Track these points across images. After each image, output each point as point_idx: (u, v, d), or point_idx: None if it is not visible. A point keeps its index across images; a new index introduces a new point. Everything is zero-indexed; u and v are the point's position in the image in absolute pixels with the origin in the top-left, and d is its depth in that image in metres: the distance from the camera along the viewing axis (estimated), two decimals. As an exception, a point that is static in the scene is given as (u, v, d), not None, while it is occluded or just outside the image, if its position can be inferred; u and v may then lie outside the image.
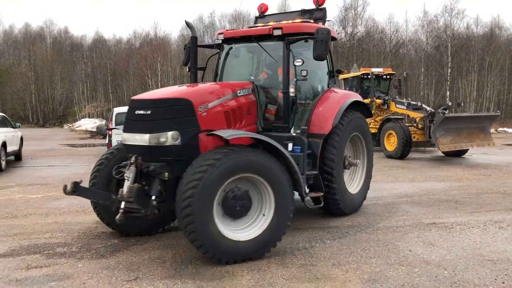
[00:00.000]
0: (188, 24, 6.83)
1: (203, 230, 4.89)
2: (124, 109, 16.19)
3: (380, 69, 20.20)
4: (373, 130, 18.20)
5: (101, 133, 21.51)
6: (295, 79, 6.53)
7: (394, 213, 7.79)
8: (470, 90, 43.63)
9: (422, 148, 18.92)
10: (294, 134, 6.48)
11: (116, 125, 15.21)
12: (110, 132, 15.27)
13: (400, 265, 5.13)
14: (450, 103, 17.95)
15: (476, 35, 46.13)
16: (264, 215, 5.43)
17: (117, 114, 15.56)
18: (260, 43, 6.74)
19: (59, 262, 5.27)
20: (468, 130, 15.48)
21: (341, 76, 21.69)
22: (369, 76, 19.14)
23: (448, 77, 42.01)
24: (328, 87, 7.44)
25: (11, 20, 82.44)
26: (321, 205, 6.79)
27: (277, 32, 6.52)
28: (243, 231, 5.34)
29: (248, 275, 4.84)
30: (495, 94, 44.03)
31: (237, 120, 6.14)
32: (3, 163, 13.83)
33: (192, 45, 6.96)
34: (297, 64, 6.24)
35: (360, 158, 8.01)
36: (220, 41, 7.28)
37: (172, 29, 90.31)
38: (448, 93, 41.44)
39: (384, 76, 19.78)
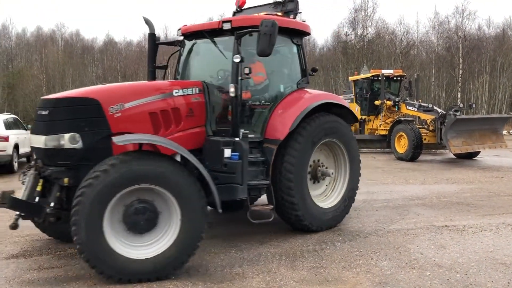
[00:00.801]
0: (146, 21, 6.51)
1: (88, 244, 4.43)
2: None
3: (391, 71, 20.11)
4: (383, 132, 18.15)
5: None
6: (240, 78, 5.76)
7: (405, 215, 7.74)
8: (481, 91, 43.28)
9: (433, 150, 18.77)
10: (236, 140, 5.65)
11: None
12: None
13: (411, 268, 5.09)
14: (461, 105, 17.88)
15: (488, 36, 45.84)
16: (168, 231, 4.87)
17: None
18: (215, 38, 6.25)
19: (70, 263, 5.31)
20: (479, 132, 15.33)
21: (351, 78, 21.70)
22: (379, 78, 19.07)
23: (460, 79, 41.73)
24: (297, 87, 6.72)
25: (24, 23, 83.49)
26: (270, 219, 5.95)
27: (226, 26, 5.96)
28: (148, 247, 4.80)
29: (258, 277, 4.84)
30: (507, 96, 43.62)
31: (170, 122, 5.64)
32: (16, 164, 14.00)
33: (149, 43, 6.68)
34: (235, 60, 5.65)
35: (341, 168, 7.08)
36: (182, 37, 6.83)
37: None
38: (459, 95, 41.14)
39: (395, 78, 19.71)
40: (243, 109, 6.10)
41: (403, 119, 17.29)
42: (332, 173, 6.90)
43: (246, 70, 5.67)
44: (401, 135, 16.59)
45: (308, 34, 7.00)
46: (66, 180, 4.83)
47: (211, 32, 6.23)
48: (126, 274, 4.61)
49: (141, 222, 4.70)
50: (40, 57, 56.76)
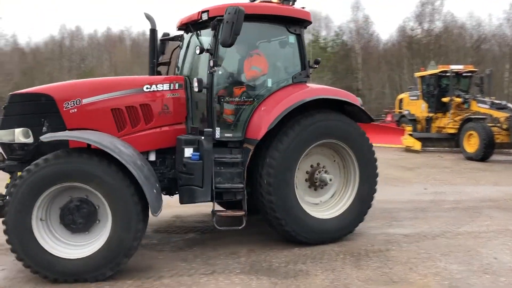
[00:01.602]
0: (147, 16, 6.22)
1: (25, 250, 4.44)
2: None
3: (460, 66, 19.17)
4: (452, 131, 17.38)
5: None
6: (209, 71, 5.43)
7: (476, 218, 7.38)
8: (561, 87, 40.21)
9: (506, 150, 17.71)
10: (202, 138, 5.36)
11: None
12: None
13: (484, 273, 4.86)
14: (539, 102, 16.66)
15: None
16: (87, 232, 4.73)
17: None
18: (203, 31, 5.92)
19: (140, 253, 5.53)
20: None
21: (417, 74, 20.94)
22: (447, 74, 18.26)
23: (537, 74, 39.01)
24: (293, 81, 6.04)
25: (95, 25, 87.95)
26: (240, 227, 5.45)
27: (204, 16, 5.65)
28: (84, 247, 4.69)
29: (322, 275, 4.82)
30: None
31: (138, 119, 5.46)
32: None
33: (150, 38, 6.32)
34: (196, 52, 5.45)
35: (350, 173, 6.16)
36: (182, 32, 6.48)
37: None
38: (536, 91, 38.48)
39: (464, 74, 18.76)
40: (220, 105, 5.71)
41: (473, 117, 16.48)
42: (331, 180, 5.96)
43: (211, 63, 5.38)
44: (471, 134, 15.80)
45: (309, 22, 6.19)
46: (19, 173, 4.80)
47: (197, 24, 5.91)
48: (57, 273, 4.53)
49: (77, 222, 4.64)
50: (110, 56, 59.51)
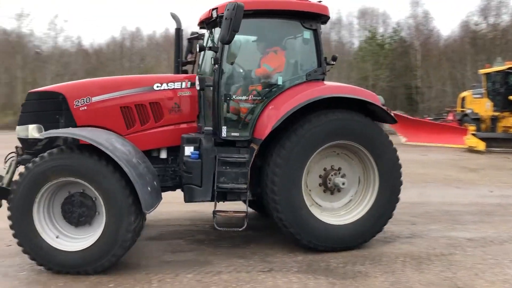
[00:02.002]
0: (172, 16, 6.28)
1: (23, 235, 4.68)
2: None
3: (530, 63, 18.12)
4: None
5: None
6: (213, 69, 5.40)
7: (548, 223, 6.95)
8: None
9: None
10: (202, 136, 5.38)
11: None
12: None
13: (558, 282, 4.57)
14: None
15: None
16: (89, 225, 4.89)
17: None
18: (214, 28, 5.83)
19: (200, 249, 5.69)
20: None
21: (482, 71, 19.98)
22: (516, 71, 17.30)
23: None
24: (306, 78, 5.74)
25: (154, 26, 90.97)
26: (240, 228, 5.31)
27: (214, 14, 5.58)
28: (81, 240, 4.86)
29: (382, 277, 4.72)
30: None
31: (148, 117, 5.55)
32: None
33: (175, 38, 6.35)
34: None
35: (370, 177, 5.72)
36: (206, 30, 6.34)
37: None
38: None
39: (535, 70, 17.71)
40: (227, 104, 5.58)
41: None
42: (344, 184, 5.61)
43: (212, 61, 5.33)
44: (542, 134, 14.90)
45: (326, 16, 5.83)
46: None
47: (210, 22, 5.85)
48: (58, 265, 4.71)
49: (77, 215, 4.80)
50: (168, 56, 61.16)
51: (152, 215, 7.16)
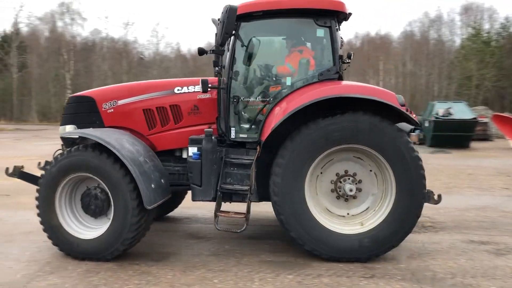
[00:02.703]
0: (213, 21, 6.23)
1: (49, 226, 5.26)
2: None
3: None
4: None
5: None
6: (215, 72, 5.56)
7: None
8: None
9: None
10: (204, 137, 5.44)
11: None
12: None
13: None
14: None
15: None
16: (109, 218, 5.25)
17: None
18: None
19: (298, 250, 5.63)
20: None
21: None
22: None
23: None
24: (319, 79, 5.47)
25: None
26: (239, 231, 5.21)
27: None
28: (96, 230, 5.32)
29: (496, 292, 4.39)
30: None
31: (168, 119, 5.86)
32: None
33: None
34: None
35: (388, 184, 5.23)
36: None
37: (394, 27, 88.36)
38: None
39: None
40: (236, 106, 5.58)
41: None
42: (351, 190, 5.23)
43: (213, 64, 5.46)
44: None
45: (342, 13, 5.51)
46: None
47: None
48: (75, 251, 5.23)
49: (91, 206, 5.26)
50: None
51: (251, 215, 7.32)
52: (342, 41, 5.85)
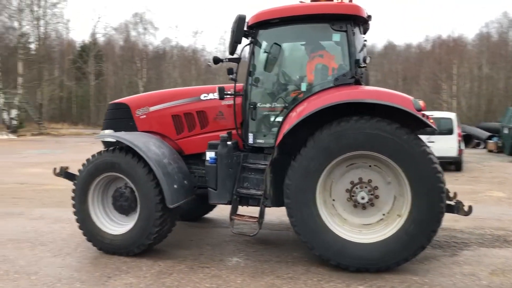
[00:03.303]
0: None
1: (82, 219, 5.72)
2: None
3: None
4: None
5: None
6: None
7: None
8: None
9: None
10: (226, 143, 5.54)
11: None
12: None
13: None
14: None
15: None
16: (133, 214, 5.60)
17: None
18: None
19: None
20: None
21: None
22: None
23: None
24: (334, 84, 5.39)
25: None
26: (252, 235, 5.48)
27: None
28: (124, 226, 5.68)
29: None
30: None
31: (194, 124, 6.13)
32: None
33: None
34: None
35: (404, 192, 4.99)
36: None
37: (469, 29, 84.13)
38: None
39: None
40: (254, 112, 5.68)
41: None
42: (363, 198, 5.11)
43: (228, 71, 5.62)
44: None
45: (358, 16, 5.43)
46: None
47: None
48: (105, 245, 5.65)
49: (120, 204, 5.68)
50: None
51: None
52: (364, 45, 5.82)
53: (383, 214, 5.16)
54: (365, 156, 5.08)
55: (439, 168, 4.85)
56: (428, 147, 4.93)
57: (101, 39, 56.77)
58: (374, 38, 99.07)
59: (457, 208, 5.21)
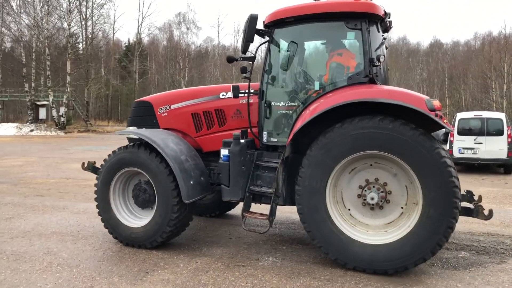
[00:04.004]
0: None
1: (103, 211, 5.99)
2: (468, 114, 15.36)
3: None
4: None
5: (437, 139, 21.08)
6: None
7: None
8: None
9: None
10: (242, 141, 5.56)
11: (458, 131, 14.59)
12: (451, 139, 14.75)
13: None
14: None
15: None
16: (152, 208, 5.81)
17: (460, 119, 14.91)
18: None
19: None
20: None
21: None
22: None
23: None
24: (347, 83, 5.28)
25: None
26: (262, 232, 5.87)
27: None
28: (143, 219, 5.88)
29: None
30: None
31: (213, 122, 6.23)
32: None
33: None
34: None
35: (416, 193, 4.82)
36: None
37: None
38: None
39: None
40: (268, 110, 5.67)
41: None
42: (373, 199, 5.00)
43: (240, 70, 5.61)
44: None
45: (373, 14, 5.29)
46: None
47: None
48: (123, 237, 5.88)
49: (140, 199, 5.87)
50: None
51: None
52: (382, 43, 5.62)
53: (402, 208, 5.03)
54: (362, 157, 5.02)
55: (454, 174, 4.67)
56: (436, 142, 4.77)
57: (145, 39, 58.13)
58: (419, 36, 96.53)
59: (476, 212, 5.13)
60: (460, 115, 15.23)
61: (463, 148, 14.45)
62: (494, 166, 15.39)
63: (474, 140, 14.35)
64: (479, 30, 70.21)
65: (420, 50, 62.74)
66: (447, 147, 14.84)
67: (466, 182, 12.37)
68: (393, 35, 64.45)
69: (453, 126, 14.75)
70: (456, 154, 14.51)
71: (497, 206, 9.10)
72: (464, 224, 7.29)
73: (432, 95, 53.51)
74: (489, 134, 14.27)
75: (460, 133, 14.56)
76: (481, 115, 14.85)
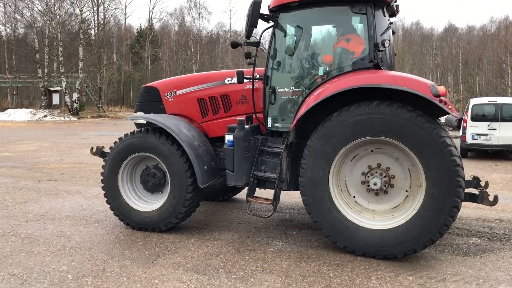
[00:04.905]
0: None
1: (112, 198, 6.01)
2: (482, 100, 15.15)
3: None
4: None
5: (450, 125, 20.88)
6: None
7: None
8: None
9: None
10: (247, 127, 5.58)
11: (471, 117, 14.41)
12: (464, 124, 14.59)
13: None
14: None
15: None
16: (161, 192, 5.95)
17: (474, 105, 14.71)
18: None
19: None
20: None
21: None
22: None
23: None
24: (352, 68, 5.24)
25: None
26: (265, 217, 5.94)
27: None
28: (152, 204, 5.96)
29: None
30: None
31: (218, 107, 6.24)
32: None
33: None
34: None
35: (420, 178, 4.80)
36: None
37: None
38: None
39: None
40: (273, 96, 5.64)
41: None
42: (376, 184, 5.00)
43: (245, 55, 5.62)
44: None
45: (390, 8, 5.39)
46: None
47: None
48: (132, 221, 5.94)
49: (149, 183, 5.91)
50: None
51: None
52: (388, 27, 5.55)
53: (406, 191, 5.02)
54: (363, 144, 5.03)
55: (458, 162, 4.63)
56: (435, 122, 4.71)
57: (156, 24, 58.04)
58: (433, 21, 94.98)
59: (481, 198, 5.14)
60: (473, 101, 15.03)
61: (477, 134, 14.27)
62: (508, 152, 15.20)
63: (488, 126, 14.16)
64: (495, 14, 68.90)
65: (434, 35, 61.75)
66: (460, 133, 14.67)
67: (479, 169, 12.25)
68: (407, 19, 63.61)
69: (467, 112, 14.57)
70: (469, 140, 14.35)
71: (510, 193, 9.02)
72: (476, 210, 7.25)
73: (446, 81, 52.86)
74: (503, 120, 14.06)
75: (474, 119, 14.37)
76: (495, 101, 14.63)
